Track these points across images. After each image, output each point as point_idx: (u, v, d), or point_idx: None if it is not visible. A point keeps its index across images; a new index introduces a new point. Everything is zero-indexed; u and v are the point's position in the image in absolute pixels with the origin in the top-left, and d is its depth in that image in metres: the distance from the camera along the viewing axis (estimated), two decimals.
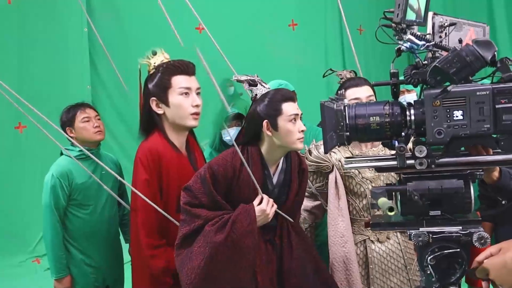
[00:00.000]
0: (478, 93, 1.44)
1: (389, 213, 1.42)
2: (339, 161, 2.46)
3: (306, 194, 2.61)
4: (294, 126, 2.12)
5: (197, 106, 2.32)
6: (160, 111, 2.33)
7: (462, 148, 1.58)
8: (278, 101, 2.12)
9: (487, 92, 1.44)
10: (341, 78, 2.64)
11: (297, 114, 2.14)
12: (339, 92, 2.32)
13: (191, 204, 2.12)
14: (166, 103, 2.30)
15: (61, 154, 2.97)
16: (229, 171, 2.12)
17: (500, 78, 1.46)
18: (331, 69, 2.83)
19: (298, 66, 6.80)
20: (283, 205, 2.22)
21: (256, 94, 2.18)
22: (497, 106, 1.43)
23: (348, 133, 1.54)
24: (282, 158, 2.24)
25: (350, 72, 2.67)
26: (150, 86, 2.31)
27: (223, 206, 2.13)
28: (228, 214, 2.10)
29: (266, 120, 2.11)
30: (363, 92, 2.42)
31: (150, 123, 2.38)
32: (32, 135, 5.64)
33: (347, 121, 1.54)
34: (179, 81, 2.28)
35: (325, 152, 1.63)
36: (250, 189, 2.14)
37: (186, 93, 2.29)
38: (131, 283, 2.64)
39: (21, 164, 5.79)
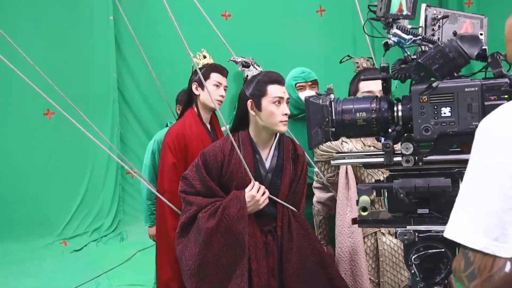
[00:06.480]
0: (466, 89, 1.40)
1: (362, 213, 1.40)
2: (351, 151, 2.42)
3: (318, 185, 2.59)
4: (278, 109, 2.14)
5: (221, 96, 2.92)
6: (197, 92, 2.91)
7: (455, 146, 1.54)
8: (264, 82, 2.16)
9: (476, 89, 1.39)
10: (357, 67, 2.55)
11: (281, 97, 2.15)
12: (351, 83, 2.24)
13: (187, 192, 2.19)
14: (203, 88, 2.88)
15: (166, 125, 3.51)
16: (219, 154, 2.18)
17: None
18: (348, 55, 2.73)
19: (326, 53, 6.71)
20: (279, 191, 2.23)
21: (247, 75, 2.21)
22: (486, 103, 1.38)
23: (333, 129, 1.52)
24: (274, 143, 2.26)
25: (368, 60, 2.56)
26: (195, 75, 2.91)
27: (216, 192, 2.17)
28: (220, 201, 2.14)
29: (250, 100, 2.16)
30: (376, 86, 2.32)
31: (189, 100, 2.95)
32: (61, 122, 5.72)
33: (333, 117, 1.52)
34: (215, 76, 2.92)
35: (309, 149, 1.61)
36: (242, 174, 2.17)
37: (217, 86, 2.92)
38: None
39: (49, 150, 5.89)
